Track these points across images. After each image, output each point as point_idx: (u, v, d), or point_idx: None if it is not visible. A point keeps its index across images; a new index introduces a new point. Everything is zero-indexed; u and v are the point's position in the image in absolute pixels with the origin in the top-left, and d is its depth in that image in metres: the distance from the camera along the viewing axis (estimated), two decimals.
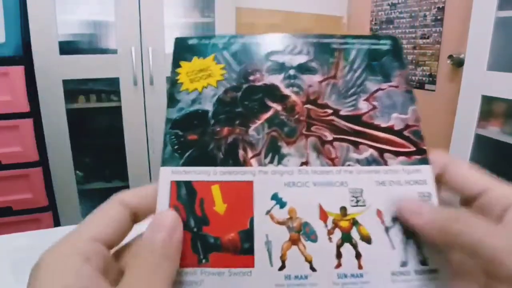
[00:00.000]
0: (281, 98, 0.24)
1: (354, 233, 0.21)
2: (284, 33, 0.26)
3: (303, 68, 0.25)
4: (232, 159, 0.22)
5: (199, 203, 0.21)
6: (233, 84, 0.24)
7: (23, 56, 1.40)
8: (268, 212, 0.21)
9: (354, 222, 0.21)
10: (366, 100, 0.24)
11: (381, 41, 0.26)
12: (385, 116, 0.24)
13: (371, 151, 0.23)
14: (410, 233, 0.21)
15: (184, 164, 0.22)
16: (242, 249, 0.20)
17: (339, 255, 0.20)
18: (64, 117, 1.55)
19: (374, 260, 0.20)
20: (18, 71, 1.36)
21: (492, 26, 1.32)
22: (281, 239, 0.20)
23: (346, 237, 0.21)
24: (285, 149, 0.22)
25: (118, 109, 1.65)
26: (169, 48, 1.61)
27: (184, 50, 0.25)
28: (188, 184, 0.21)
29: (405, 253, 0.21)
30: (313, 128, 0.23)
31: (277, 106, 0.24)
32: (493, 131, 1.42)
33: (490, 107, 1.44)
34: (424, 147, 0.23)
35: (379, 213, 0.21)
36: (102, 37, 1.70)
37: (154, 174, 1.74)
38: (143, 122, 1.68)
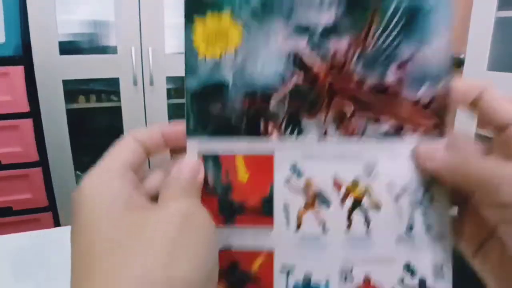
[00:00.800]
0: (303, 67, 0.23)
1: (365, 201, 0.23)
2: None
3: (329, 31, 0.22)
4: (254, 130, 0.23)
5: (225, 173, 0.23)
6: (252, 51, 0.23)
7: (23, 56, 1.40)
8: (286, 181, 0.23)
9: (366, 192, 0.23)
10: (397, 68, 0.22)
11: None
12: (413, 88, 0.22)
13: (390, 124, 0.23)
14: (418, 202, 0.23)
15: (208, 136, 0.23)
16: (263, 212, 0.23)
17: (349, 219, 0.23)
18: (64, 117, 1.55)
19: (382, 225, 0.23)
20: (18, 71, 1.36)
21: (492, 26, 1.32)
22: (297, 205, 0.23)
23: (357, 204, 0.23)
24: (305, 122, 0.23)
25: (118, 109, 1.65)
26: (169, 48, 1.62)
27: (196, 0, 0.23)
28: (215, 158, 0.23)
29: (411, 220, 0.23)
30: (334, 101, 0.23)
31: (298, 77, 0.23)
32: None
33: None
34: (444, 122, 0.23)
35: (389, 184, 0.23)
36: (102, 37, 1.70)
37: None
38: (143, 122, 1.68)
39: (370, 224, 0.23)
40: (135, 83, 1.61)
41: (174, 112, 1.75)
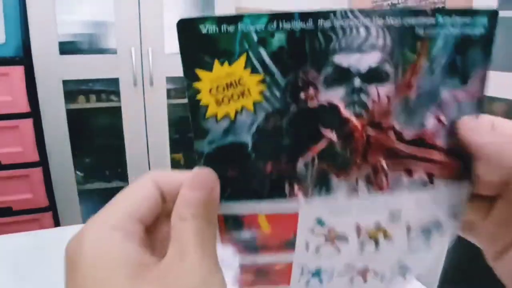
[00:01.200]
0: (339, 123, 0.19)
1: (380, 235, 0.22)
2: (355, 9, 0.18)
3: (372, 75, 0.19)
4: (278, 193, 0.21)
5: (247, 227, 0.22)
6: (276, 107, 0.19)
7: (23, 56, 1.40)
8: (310, 230, 0.22)
9: (383, 231, 0.22)
10: (435, 114, 0.20)
11: (476, 21, 0.19)
12: (447, 134, 0.20)
13: (422, 175, 0.21)
14: (426, 234, 0.22)
15: (227, 200, 0.20)
16: (285, 248, 0.23)
17: (362, 247, 0.23)
18: (64, 117, 1.55)
19: (389, 248, 0.23)
20: (18, 71, 1.36)
21: None
22: (317, 242, 0.22)
23: (373, 239, 0.22)
24: (334, 181, 0.20)
25: (118, 109, 1.65)
26: (169, 48, 1.62)
27: (196, 46, 0.17)
28: (235, 217, 0.21)
29: (415, 243, 0.23)
30: (368, 157, 0.20)
31: (332, 135, 0.19)
32: None
33: (490, 107, 1.44)
34: (471, 166, 0.21)
35: (408, 227, 0.22)
36: (102, 37, 1.70)
37: None
38: (143, 122, 1.69)
39: (379, 247, 0.22)
40: (135, 83, 1.61)
41: (174, 112, 1.75)
